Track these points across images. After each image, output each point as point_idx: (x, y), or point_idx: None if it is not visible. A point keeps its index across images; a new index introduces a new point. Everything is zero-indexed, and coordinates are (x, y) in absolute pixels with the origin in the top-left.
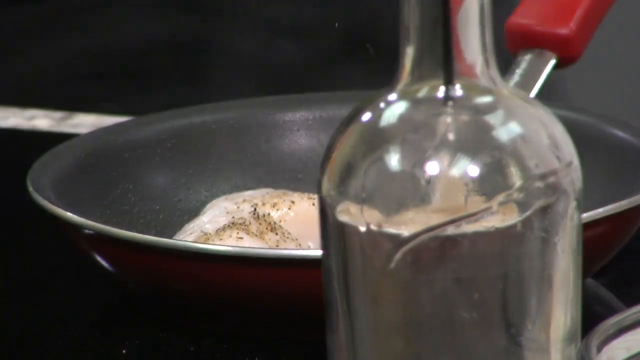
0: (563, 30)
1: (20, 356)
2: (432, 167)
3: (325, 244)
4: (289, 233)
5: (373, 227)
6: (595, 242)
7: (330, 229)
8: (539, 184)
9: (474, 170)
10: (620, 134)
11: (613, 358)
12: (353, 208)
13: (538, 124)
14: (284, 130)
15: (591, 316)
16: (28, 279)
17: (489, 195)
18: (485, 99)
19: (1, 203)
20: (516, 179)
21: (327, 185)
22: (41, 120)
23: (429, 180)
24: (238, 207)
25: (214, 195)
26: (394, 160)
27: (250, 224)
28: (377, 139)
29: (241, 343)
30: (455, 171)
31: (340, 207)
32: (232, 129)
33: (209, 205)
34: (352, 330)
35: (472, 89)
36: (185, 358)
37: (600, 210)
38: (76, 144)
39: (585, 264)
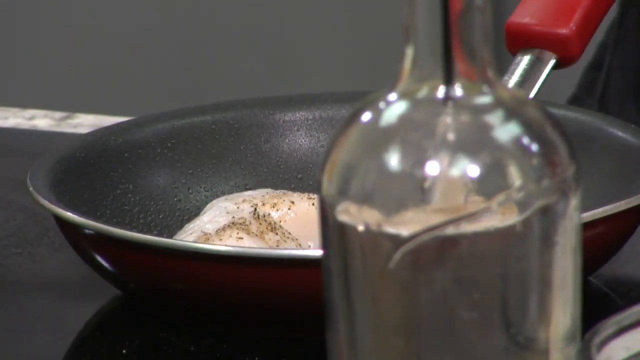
0: (563, 30)
1: (20, 356)
2: (431, 167)
3: (325, 244)
4: (289, 233)
5: (373, 227)
6: (595, 242)
7: (330, 229)
8: (539, 184)
9: (473, 170)
10: (620, 134)
11: (612, 358)
12: (353, 208)
13: (537, 124)
14: (284, 130)
15: (591, 316)
16: (28, 278)
17: (488, 195)
18: (485, 99)
19: (1, 203)
20: (516, 179)
21: (327, 185)
22: (41, 120)
23: (429, 180)
24: (238, 207)
25: (214, 195)
26: (393, 160)
27: (250, 224)
28: (377, 139)
29: (241, 343)
30: (455, 171)
31: (340, 207)
32: (232, 128)
33: (208, 205)
34: (352, 330)
35: (472, 89)
36: (185, 358)
37: (600, 210)
38: (76, 144)
39: (585, 264)
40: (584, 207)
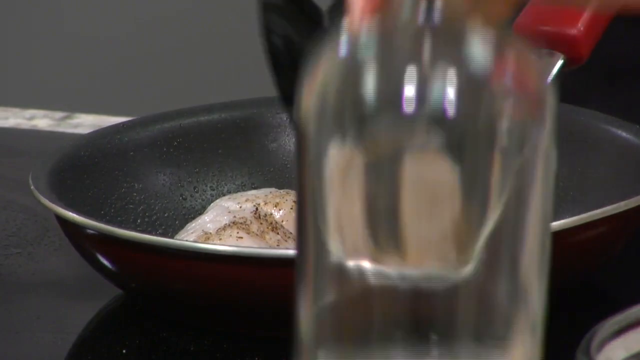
0: (571, 31)
1: (20, 356)
2: (408, 101)
3: (300, 183)
4: (290, 233)
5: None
6: (595, 242)
7: (307, 160)
8: (511, 112)
9: (449, 101)
10: (620, 134)
11: (612, 358)
12: (331, 140)
13: (513, 55)
14: (290, 130)
15: (591, 316)
16: (28, 278)
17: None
18: (464, 28)
19: (1, 203)
20: (490, 109)
21: (304, 117)
22: (41, 120)
23: (406, 111)
24: (240, 207)
25: (220, 195)
26: (369, 91)
27: (251, 223)
28: (353, 69)
29: (241, 343)
30: (430, 103)
31: (318, 138)
32: (239, 128)
33: (212, 204)
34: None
35: (451, 18)
36: (185, 358)
37: (600, 210)
38: (81, 143)
39: (585, 264)
40: (584, 207)
